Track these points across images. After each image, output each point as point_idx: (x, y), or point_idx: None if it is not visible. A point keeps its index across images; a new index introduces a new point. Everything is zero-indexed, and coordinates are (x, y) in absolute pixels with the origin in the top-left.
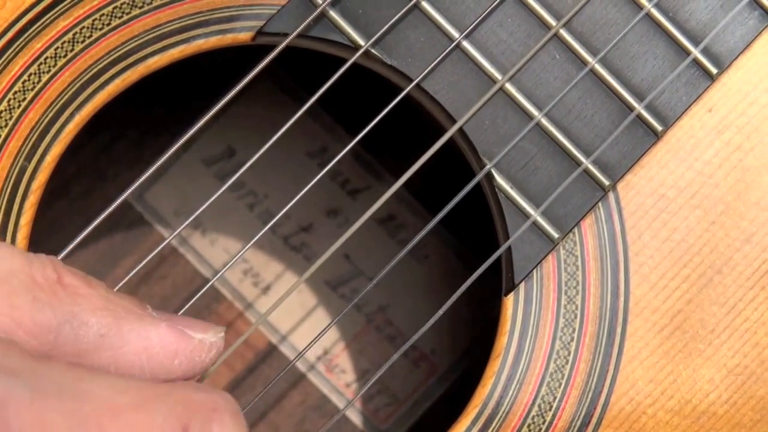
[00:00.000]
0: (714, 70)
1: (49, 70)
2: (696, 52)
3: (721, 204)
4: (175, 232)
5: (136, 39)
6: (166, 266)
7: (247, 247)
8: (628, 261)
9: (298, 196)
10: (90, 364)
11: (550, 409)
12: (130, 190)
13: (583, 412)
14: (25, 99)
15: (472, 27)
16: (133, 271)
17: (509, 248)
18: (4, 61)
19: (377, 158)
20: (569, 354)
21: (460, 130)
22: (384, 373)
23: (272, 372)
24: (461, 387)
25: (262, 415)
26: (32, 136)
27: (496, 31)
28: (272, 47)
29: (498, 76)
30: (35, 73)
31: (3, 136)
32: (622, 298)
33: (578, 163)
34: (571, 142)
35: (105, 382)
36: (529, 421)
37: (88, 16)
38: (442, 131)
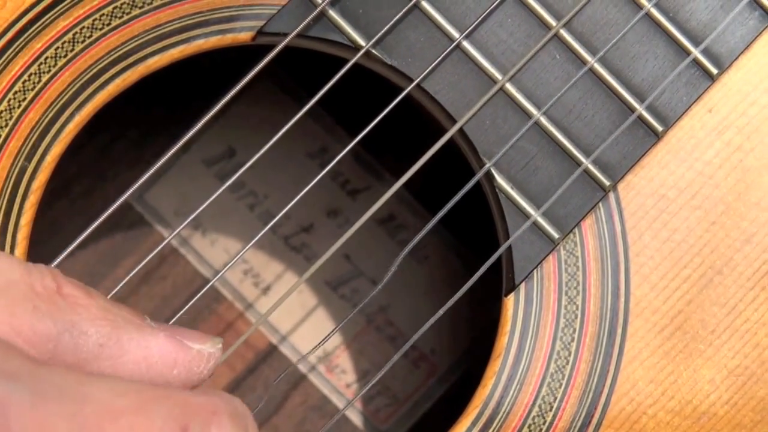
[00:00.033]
0: (714, 71)
1: (49, 70)
2: (696, 53)
3: (721, 204)
4: (175, 232)
5: (136, 39)
6: (167, 266)
7: (247, 247)
8: (628, 261)
9: (299, 197)
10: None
11: (550, 410)
12: (129, 191)
13: (584, 413)
14: (25, 99)
15: (472, 27)
16: (134, 272)
17: (509, 248)
18: (4, 61)
19: (377, 158)
20: (570, 354)
21: (461, 130)
22: (384, 373)
23: (272, 372)
24: (461, 387)
25: (262, 415)
26: (32, 136)
27: (497, 31)
28: (272, 47)
29: (498, 76)
30: (35, 73)
31: (3, 136)
32: (622, 299)
33: (578, 164)
34: (571, 142)
35: (104, 385)
36: (529, 421)
37: (88, 16)
38: (443, 131)
